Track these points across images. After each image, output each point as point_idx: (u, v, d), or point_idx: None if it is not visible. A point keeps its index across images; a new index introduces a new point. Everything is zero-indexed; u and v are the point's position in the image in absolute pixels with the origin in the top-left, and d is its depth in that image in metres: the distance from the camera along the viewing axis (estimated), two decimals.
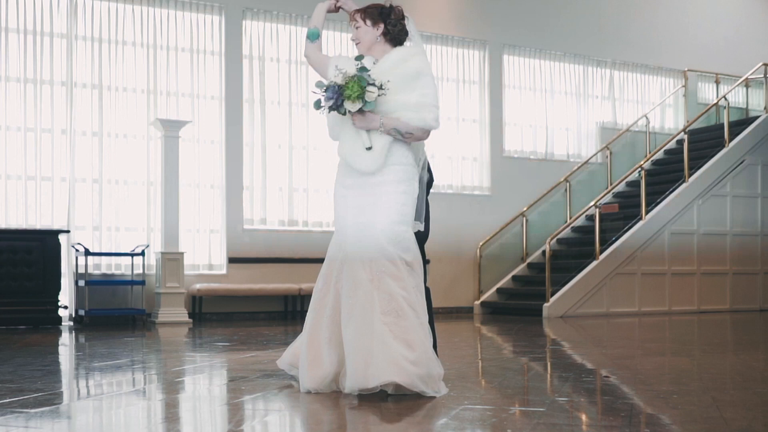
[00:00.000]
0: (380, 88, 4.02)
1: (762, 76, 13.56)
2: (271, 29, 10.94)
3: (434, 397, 3.72)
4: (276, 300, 10.69)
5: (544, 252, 11.58)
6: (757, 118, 12.91)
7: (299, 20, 11.03)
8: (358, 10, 4.32)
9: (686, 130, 12.65)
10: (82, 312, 9.41)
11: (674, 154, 13.18)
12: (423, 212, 4.29)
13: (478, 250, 12.03)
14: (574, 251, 12.19)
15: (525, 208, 12.37)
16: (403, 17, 4.31)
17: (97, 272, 9.76)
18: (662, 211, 11.78)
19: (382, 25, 4.26)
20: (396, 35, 4.29)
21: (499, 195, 12.41)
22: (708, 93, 14.38)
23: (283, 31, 11.00)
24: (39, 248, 9.03)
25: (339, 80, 4.03)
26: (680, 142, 12.88)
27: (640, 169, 11.93)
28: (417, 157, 4.24)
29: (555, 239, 12.05)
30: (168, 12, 10.36)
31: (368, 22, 4.27)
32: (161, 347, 6.86)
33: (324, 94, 4.05)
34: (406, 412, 3.40)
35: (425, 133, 4.16)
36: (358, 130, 4.09)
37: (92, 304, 9.57)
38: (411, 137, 4.13)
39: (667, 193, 12.00)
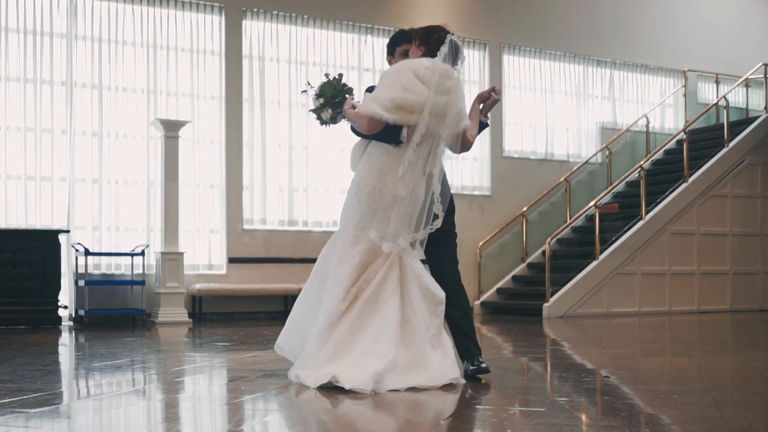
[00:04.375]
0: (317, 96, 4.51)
1: (762, 76, 13.56)
2: (271, 29, 10.93)
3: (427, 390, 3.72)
4: (276, 300, 10.68)
5: (544, 252, 11.58)
6: (757, 118, 12.91)
7: (299, 20, 11.02)
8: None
9: (686, 130, 12.64)
10: (82, 312, 9.41)
11: (674, 154, 13.18)
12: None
13: (478, 250, 12.03)
14: (574, 251, 12.18)
15: (525, 208, 12.36)
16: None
17: (97, 272, 9.76)
18: (662, 211, 11.78)
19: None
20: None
21: (499, 195, 12.41)
22: (708, 93, 14.37)
23: (283, 31, 10.99)
24: (39, 248, 9.03)
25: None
26: (680, 142, 12.88)
27: (640, 169, 11.92)
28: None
29: (555, 239, 12.05)
30: (168, 12, 10.36)
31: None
32: (161, 347, 6.85)
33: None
34: (407, 412, 3.39)
35: (360, 121, 4.24)
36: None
37: (92, 304, 9.57)
38: (357, 126, 4.33)
39: (667, 193, 12.00)
